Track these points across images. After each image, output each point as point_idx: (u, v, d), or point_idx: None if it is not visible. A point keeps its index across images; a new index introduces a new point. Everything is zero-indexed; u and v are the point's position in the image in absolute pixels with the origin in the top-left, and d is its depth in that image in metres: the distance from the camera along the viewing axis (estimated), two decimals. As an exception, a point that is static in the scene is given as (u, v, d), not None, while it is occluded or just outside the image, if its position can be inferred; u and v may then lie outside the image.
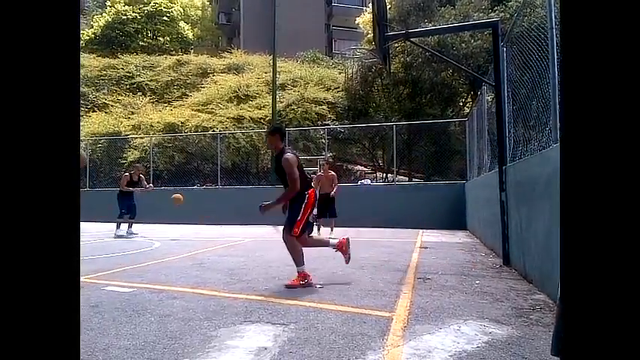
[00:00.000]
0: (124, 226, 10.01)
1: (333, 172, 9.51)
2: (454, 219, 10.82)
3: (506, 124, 5.39)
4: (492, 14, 13.14)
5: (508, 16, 11.98)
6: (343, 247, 4.50)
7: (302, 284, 4.02)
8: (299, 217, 4.17)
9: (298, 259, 4.13)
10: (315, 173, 13.06)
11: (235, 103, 18.68)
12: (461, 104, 16.35)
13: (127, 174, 10.19)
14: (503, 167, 5.27)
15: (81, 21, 33.37)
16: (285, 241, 4.22)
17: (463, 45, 13.66)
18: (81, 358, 2.24)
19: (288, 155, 4.14)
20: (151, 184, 10.62)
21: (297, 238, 4.19)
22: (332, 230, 9.09)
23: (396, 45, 13.79)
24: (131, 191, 9.93)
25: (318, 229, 9.29)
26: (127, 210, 9.95)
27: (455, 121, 13.92)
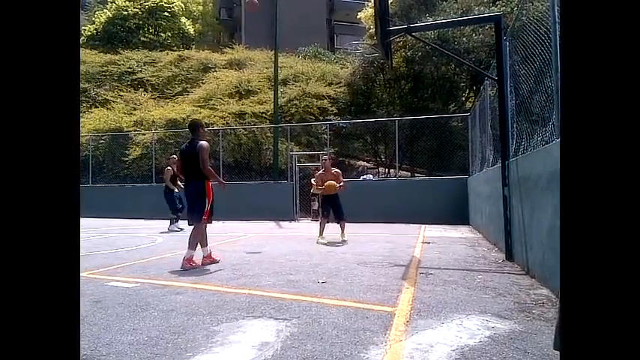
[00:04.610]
0: (179, 221, 9.81)
1: (337, 169, 7.93)
2: (457, 214, 10.81)
3: (509, 119, 5.37)
4: (494, 8, 13.07)
5: (510, 10, 11.91)
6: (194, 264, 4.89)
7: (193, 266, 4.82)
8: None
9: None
10: (317, 169, 12.92)
11: (237, 98, 18.63)
12: (463, 99, 16.29)
13: (169, 168, 9.92)
14: (506, 162, 5.26)
15: (82, 17, 33.35)
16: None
17: (464, 39, 13.59)
18: (85, 353, 2.26)
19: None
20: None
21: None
22: (343, 232, 7.68)
23: (398, 39, 13.74)
24: (175, 187, 9.83)
25: (321, 233, 7.60)
26: (181, 204, 9.73)
27: (457, 116, 13.86)
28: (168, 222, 10.33)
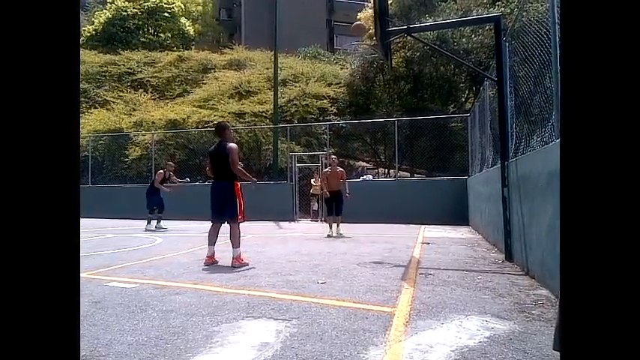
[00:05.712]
0: (154, 221, 10.55)
1: (341, 168, 8.76)
2: (456, 214, 10.81)
3: (509, 120, 5.37)
4: (492, 9, 13.10)
5: (509, 11, 11.93)
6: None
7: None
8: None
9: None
10: (316, 170, 12.94)
11: (237, 99, 18.65)
12: (463, 99, 16.31)
13: (161, 171, 10.62)
14: (506, 163, 5.26)
15: (82, 17, 33.32)
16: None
17: (464, 40, 13.62)
18: (84, 353, 2.26)
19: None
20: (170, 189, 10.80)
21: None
22: (338, 226, 8.56)
23: (398, 40, 13.76)
24: (159, 188, 10.47)
25: (330, 227, 8.61)
26: (157, 206, 10.49)
27: (457, 117, 13.87)
28: (164, 222, 10.50)
